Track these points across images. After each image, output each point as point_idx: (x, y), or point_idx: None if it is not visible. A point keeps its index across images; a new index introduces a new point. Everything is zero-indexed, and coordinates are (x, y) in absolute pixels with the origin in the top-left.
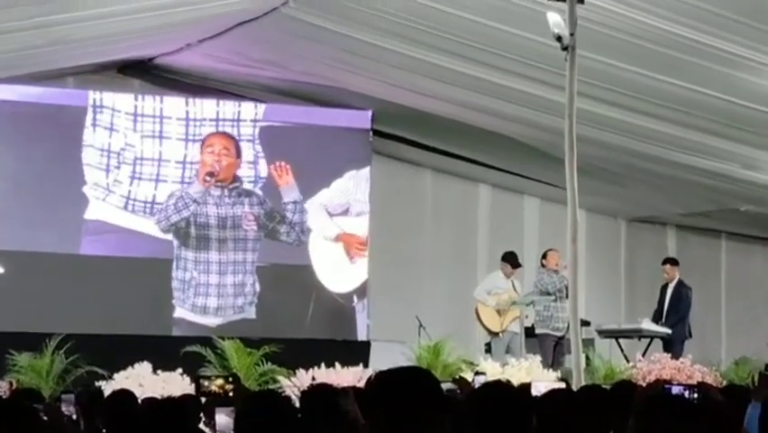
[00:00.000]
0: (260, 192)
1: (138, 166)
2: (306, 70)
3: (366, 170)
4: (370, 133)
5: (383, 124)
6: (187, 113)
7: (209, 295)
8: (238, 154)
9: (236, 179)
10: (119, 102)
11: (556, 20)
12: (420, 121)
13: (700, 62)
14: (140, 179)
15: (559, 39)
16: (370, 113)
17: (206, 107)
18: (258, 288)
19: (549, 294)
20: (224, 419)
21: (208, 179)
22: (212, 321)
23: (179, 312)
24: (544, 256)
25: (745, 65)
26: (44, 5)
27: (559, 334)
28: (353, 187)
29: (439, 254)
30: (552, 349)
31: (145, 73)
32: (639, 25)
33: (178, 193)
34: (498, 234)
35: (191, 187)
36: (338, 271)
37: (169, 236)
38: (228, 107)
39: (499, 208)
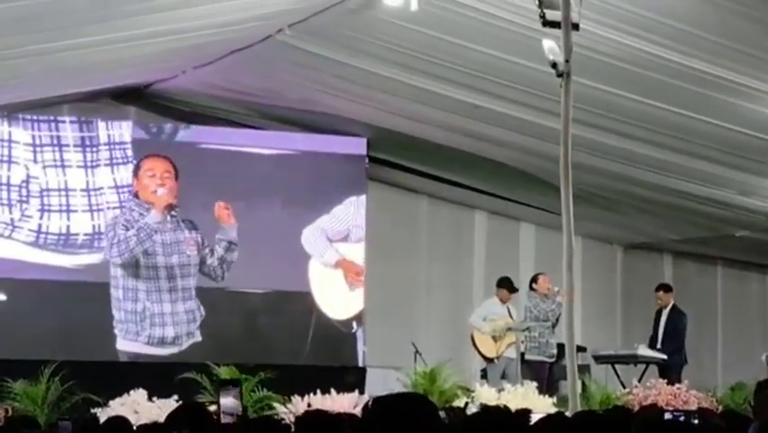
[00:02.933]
0: (192, 218)
1: (45, 198)
2: (300, 97)
3: (362, 197)
4: (366, 159)
5: (379, 150)
6: (83, 139)
7: (165, 325)
8: (176, 177)
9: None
10: (16, 133)
11: (551, 46)
12: (416, 147)
13: (696, 89)
14: (49, 211)
15: (554, 65)
16: (365, 140)
17: (101, 132)
18: (203, 312)
19: (546, 321)
20: (229, 400)
21: (174, 214)
22: (170, 351)
23: (130, 346)
24: (535, 280)
25: (741, 92)
26: (39, 33)
27: (552, 360)
28: (354, 213)
29: (435, 281)
30: (546, 375)
31: (140, 100)
32: (634, 52)
33: (137, 223)
34: (493, 260)
35: (148, 217)
36: (337, 298)
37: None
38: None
39: (495, 235)
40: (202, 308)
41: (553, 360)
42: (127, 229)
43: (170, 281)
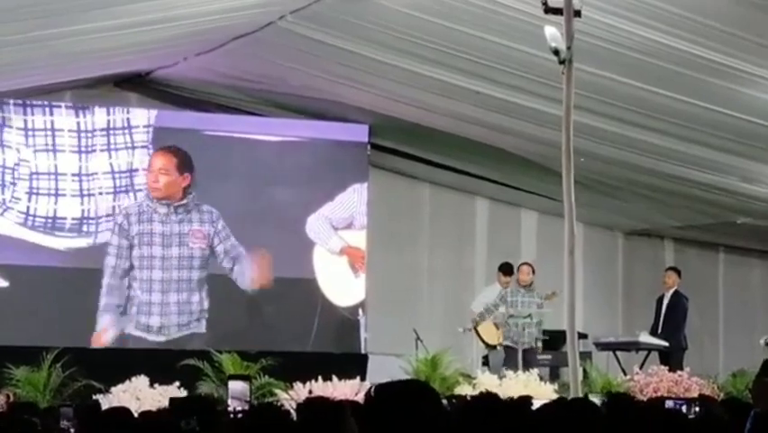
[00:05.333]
0: (213, 209)
1: (35, 181)
2: (302, 84)
3: (364, 184)
4: (368, 146)
5: (381, 137)
6: (78, 124)
7: (152, 314)
8: (182, 170)
9: (185, 195)
10: (9, 118)
11: (553, 33)
12: (418, 134)
13: (698, 76)
14: (37, 194)
15: (556, 52)
16: (367, 126)
17: (98, 118)
18: (206, 305)
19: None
20: (239, 385)
21: (182, 204)
22: (156, 339)
23: (119, 325)
24: (518, 268)
25: (742, 78)
26: (42, 19)
27: (525, 348)
28: (357, 200)
29: (437, 267)
30: (520, 360)
31: (142, 87)
32: (636, 39)
33: (137, 216)
34: (495, 247)
35: (153, 209)
36: (342, 285)
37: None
38: (119, 115)
39: (497, 222)
40: (206, 301)
41: (525, 347)
42: (128, 217)
43: (165, 272)
